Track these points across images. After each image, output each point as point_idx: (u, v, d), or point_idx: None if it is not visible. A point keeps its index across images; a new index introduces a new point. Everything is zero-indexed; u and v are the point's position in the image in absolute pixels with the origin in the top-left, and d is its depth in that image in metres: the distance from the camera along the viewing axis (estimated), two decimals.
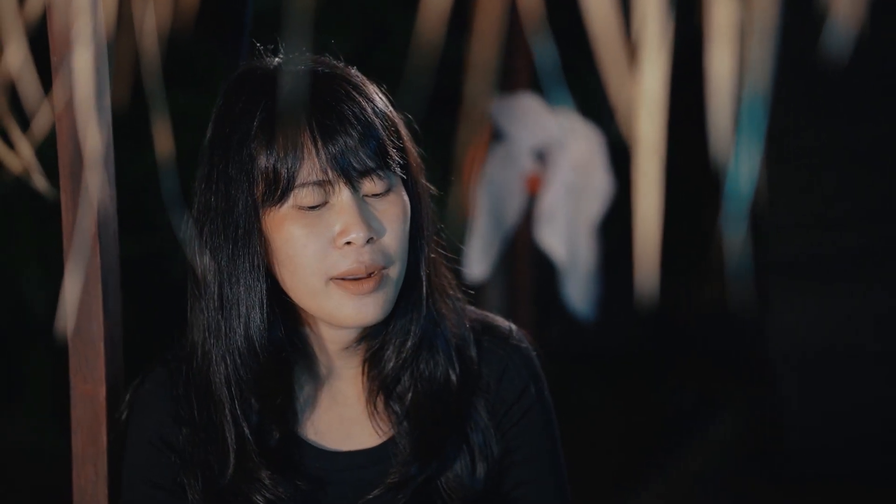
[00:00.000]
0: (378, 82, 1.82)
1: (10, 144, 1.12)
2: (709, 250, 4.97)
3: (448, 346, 1.83)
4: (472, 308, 1.93)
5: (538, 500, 1.86)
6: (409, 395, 1.82)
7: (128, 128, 1.99)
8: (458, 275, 1.94)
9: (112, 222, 1.87)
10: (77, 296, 1.15)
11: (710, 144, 0.92)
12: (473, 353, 1.86)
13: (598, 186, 3.35)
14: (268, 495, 1.76)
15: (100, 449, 1.89)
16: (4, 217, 4.07)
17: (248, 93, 1.75)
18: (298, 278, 1.72)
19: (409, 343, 1.80)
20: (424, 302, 1.80)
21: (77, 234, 1.19)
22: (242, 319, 1.74)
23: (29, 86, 0.99)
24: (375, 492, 1.81)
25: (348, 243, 1.70)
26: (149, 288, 3.85)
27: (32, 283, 3.97)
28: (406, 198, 1.76)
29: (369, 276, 1.70)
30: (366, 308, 1.72)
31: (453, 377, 1.82)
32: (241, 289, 1.74)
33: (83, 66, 0.99)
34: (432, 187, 1.87)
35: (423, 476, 1.81)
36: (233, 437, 1.77)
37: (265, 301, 1.74)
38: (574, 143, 3.32)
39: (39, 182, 1.23)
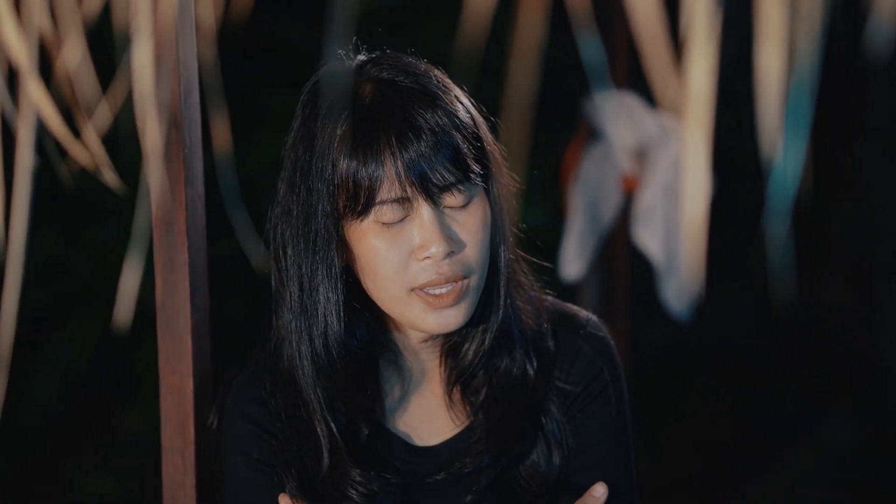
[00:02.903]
0: (461, 85, 1.82)
1: (76, 135, 1.15)
2: (825, 248, 4.90)
3: (525, 342, 1.84)
4: (550, 298, 1.93)
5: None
6: (484, 389, 1.83)
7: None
8: (550, 272, 1.95)
9: (200, 218, 1.91)
10: (135, 287, 1.18)
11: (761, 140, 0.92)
12: (550, 343, 1.86)
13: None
14: (361, 490, 1.79)
15: (187, 440, 1.93)
16: (116, 214, 4.15)
17: (329, 100, 1.76)
18: (380, 287, 1.75)
19: (487, 342, 1.82)
20: (503, 301, 1.81)
21: (135, 227, 1.22)
22: (321, 327, 1.77)
23: (87, 81, 1.02)
24: (441, 475, 1.83)
25: (428, 257, 1.72)
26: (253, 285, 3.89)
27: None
28: (487, 206, 1.77)
29: (450, 288, 1.72)
30: (447, 319, 1.75)
31: (530, 371, 1.83)
32: (320, 296, 1.76)
33: (142, 62, 1.02)
34: (516, 177, 1.87)
35: (498, 468, 1.82)
36: (325, 437, 1.79)
37: (342, 309, 1.77)
38: (672, 142, 3.30)
39: (109, 178, 1.26)
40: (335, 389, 1.79)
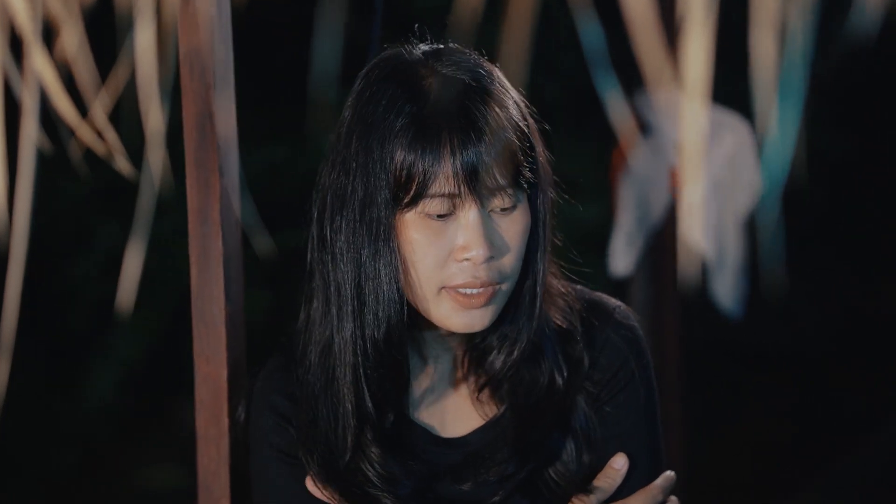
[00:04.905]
0: (517, 86, 1.80)
1: (84, 116, 1.15)
2: (886, 247, 4.85)
3: (555, 351, 1.83)
4: (581, 288, 1.92)
5: (627, 480, 1.84)
6: (513, 396, 1.83)
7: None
8: (602, 268, 1.94)
9: (235, 208, 1.92)
10: (137, 273, 1.19)
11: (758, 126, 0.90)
12: (581, 343, 1.85)
13: (747, 181, 3.29)
14: (381, 473, 1.79)
15: (222, 430, 1.94)
16: (175, 208, 4.19)
17: (393, 87, 1.75)
18: (413, 281, 1.75)
19: (517, 352, 1.81)
20: (537, 314, 1.81)
21: (137, 214, 1.23)
22: (380, 314, 1.76)
23: (89, 62, 1.03)
24: (467, 486, 1.82)
25: (468, 259, 1.72)
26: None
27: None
28: (529, 214, 1.77)
29: (482, 290, 1.72)
30: (474, 320, 1.75)
31: (559, 379, 1.82)
32: (383, 284, 1.75)
33: (145, 46, 1.02)
34: (554, 194, 1.85)
35: (524, 472, 1.81)
36: (352, 418, 1.79)
37: (404, 297, 1.76)
38: (722, 136, 3.27)
39: (122, 165, 1.27)
40: (371, 376, 1.78)
